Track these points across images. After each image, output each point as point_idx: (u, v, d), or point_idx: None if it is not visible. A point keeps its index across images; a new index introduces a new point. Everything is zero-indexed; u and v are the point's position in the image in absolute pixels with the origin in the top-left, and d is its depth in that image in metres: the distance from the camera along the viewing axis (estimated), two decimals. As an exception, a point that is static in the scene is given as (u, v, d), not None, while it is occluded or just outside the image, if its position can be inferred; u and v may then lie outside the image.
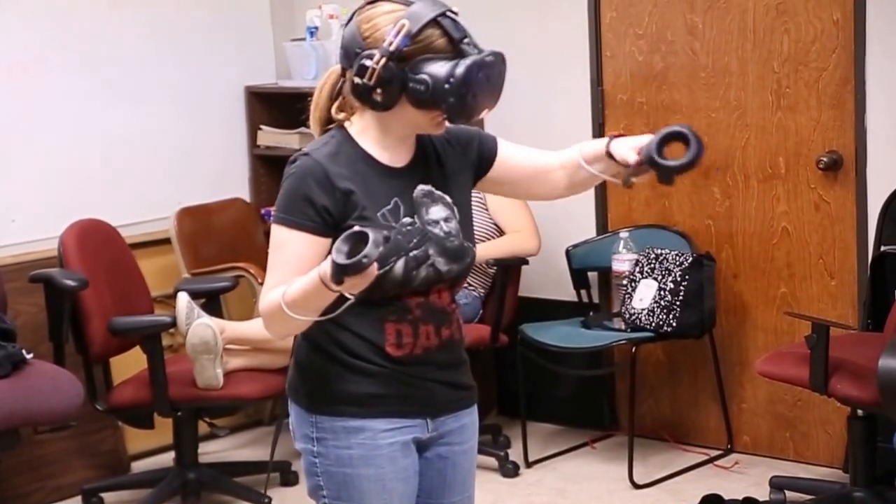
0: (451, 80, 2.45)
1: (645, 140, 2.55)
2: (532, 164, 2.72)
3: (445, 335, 2.61)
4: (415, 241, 2.54)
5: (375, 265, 2.34)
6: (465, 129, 2.69)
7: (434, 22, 2.47)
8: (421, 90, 2.47)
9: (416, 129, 2.58)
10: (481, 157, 2.69)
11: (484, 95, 2.50)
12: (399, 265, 2.52)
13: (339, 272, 2.32)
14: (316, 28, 5.44)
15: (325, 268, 2.36)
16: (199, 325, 4.33)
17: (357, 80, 2.50)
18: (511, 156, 2.71)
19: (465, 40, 2.48)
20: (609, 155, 2.59)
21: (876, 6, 4.46)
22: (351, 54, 2.52)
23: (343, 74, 2.57)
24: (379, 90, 2.48)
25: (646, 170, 2.52)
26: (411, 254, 2.53)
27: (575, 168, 2.67)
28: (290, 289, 2.44)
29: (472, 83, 2.46)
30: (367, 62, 2.47)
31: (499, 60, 2.52)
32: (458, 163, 2.65)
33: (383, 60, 2.46)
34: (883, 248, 4.42)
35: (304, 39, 5.47)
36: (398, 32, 2.46)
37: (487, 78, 2.49)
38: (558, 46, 5.13)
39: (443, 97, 2.46)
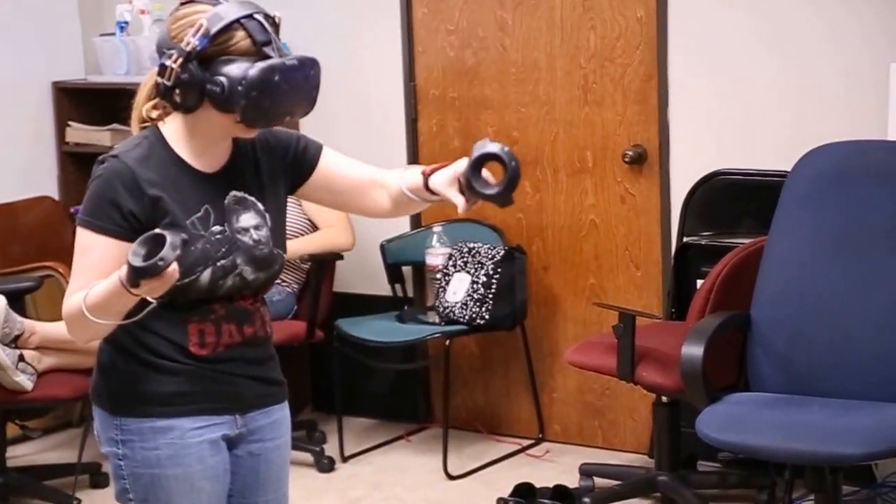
0: (243, 82, 2.40)
1: (462, 166, 2.48)
2: (357, 177, 2.68)
3: (249, 332, 2.60)
4: (223, 250, 2.52)
5: (176, 268, 2.31)
6: (287, 132, 2.65)
7: (237, 23, 2.43)
8: (217, 92, 2.42)
9: (225, 132, 2.52)
10: (300, 162, 2.64)
11: (284, 101, 2.45)
12: (206, 275, 2.50)
13: (136, 275, 2.29)
14: (126, 23, 5.34)
15: (125, 271, 2.32)
16: None
17: (159, 79, 2.46)
18: (335, 165, 2.67)
19: (270, 44, 2.43)
20: (430, 190, 2.55)
21: (677, 4, 4.57)
22: (160, 53, 2.47)
23: (159, 74, 2.50)
24: (177, 91, 2.44)
25: (475, 200, 2.48)
26: (219, 263, 2.51)
27: (399, 195, 2.63)
28: (91, 292, 2.40)
29: (267, 87, 2.41)
30: (167, 62, 2.43)
31: (306, 65, 2.46)
32: (276, 167, 2.62)
33: (180, 60, 2.42)
34: (685, 239, 4.53)
35: (113, 34, 5.37)
36: (196, 32, 2.42)
37: (287, 82, 2.43)
38: (371, 42, 5.15)
39: (236, 100, 2.41)
